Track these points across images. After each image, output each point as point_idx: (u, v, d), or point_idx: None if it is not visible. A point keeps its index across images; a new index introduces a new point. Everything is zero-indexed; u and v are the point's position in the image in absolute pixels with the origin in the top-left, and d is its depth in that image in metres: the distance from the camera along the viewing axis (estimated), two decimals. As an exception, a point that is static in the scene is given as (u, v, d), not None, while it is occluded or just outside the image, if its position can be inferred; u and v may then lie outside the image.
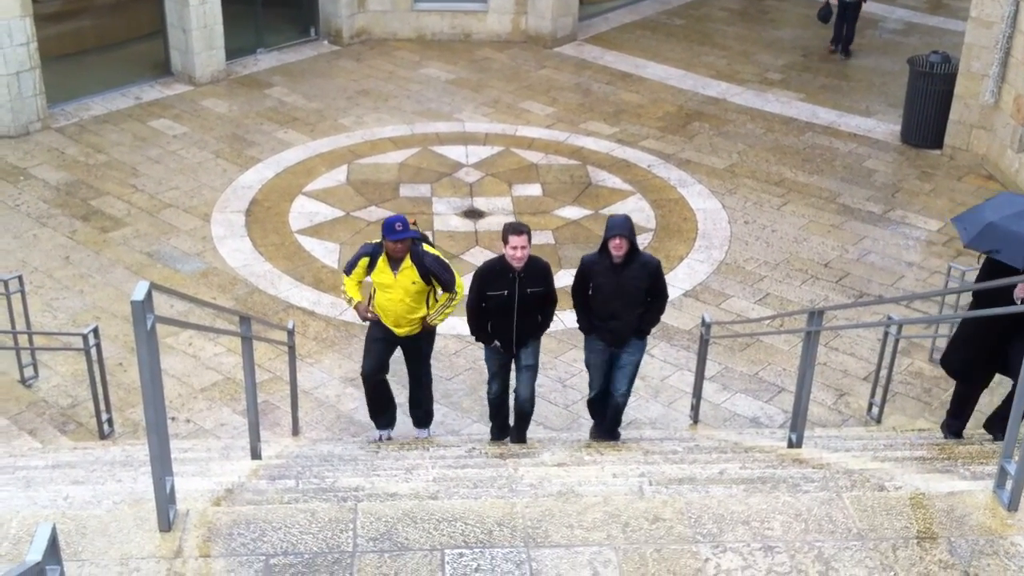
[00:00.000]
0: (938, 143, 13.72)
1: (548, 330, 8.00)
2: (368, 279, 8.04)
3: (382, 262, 7.91)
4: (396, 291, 7.84)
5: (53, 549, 3.42)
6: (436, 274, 7.94)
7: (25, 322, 8.94)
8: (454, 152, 13.42)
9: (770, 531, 4.61)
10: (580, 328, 7.98)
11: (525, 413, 8.08)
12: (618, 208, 11.83)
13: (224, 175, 12.62)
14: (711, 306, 10.28)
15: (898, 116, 14.44)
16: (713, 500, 4.85)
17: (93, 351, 8.09)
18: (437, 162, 13.15)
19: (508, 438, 8.21)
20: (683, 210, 12.19)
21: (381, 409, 8.37)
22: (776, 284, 10.77)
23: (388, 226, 7.80)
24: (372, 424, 8.41)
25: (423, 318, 8.05)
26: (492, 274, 7.71)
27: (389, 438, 8.39)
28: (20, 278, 8.89)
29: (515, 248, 7.50)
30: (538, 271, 7.71)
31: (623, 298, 7.62)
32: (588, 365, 8.05)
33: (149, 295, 4.18)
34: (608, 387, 7.97)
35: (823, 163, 13.46)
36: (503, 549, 4.48)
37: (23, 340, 9.02)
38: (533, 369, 7.98)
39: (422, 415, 8.52)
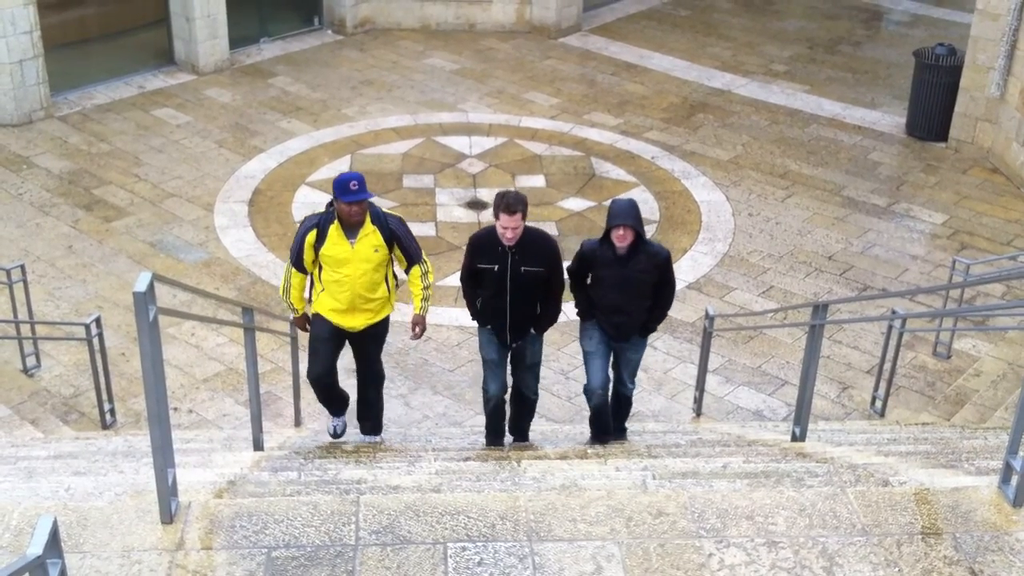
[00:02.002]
0: (943, 136, 13.67)
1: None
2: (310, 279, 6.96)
3: (335, 232, 6.66)
4: (355, 265, 6.70)
5: (54, 542, 3.41)
6: (401, 238, 6.80)
7: (28, 311, 8.93)
8: (458, 143, 13.39)
9: (774, 526, 4.59)
10: (578, 313, 7.25)
11: (528, 404, 7.47)
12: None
13: (227, 165, 12.59)
14: (714, 298, 10.26)
15: (903, 108, 14.39)
16: (717, 495, 4.83)
17: (95, 341, 8.08)
18: (440, 152, 13.12)
19: (503, 441, 7.60)
20: (687, 202, 12.16)
21: (332, 402, 7.53)
22: (780, 277, 10.75)
23: (341, 184, 6.50)
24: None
25: (386, 302, 7.00)
26: (484, 244, 6.87)
27: (343, 431, 7.64)
28: (23, 267, 8.88)
29: (505, 228, 6.64)
30: (538, 248, 6.82)
31: (627, 292, 6.96)
32: (586, 354, 7.26)
33: (151, 286, 4.16)
34: (606, 386, 7.25)
35: (828, 155, 13.42)
36: (506, 543, 4.46)
37: (25, 329, 9.02)
38: (535, 369, 7.29)
39: (373, 422, 7.59)
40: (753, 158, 13.28)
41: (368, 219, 6.67)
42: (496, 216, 6.71)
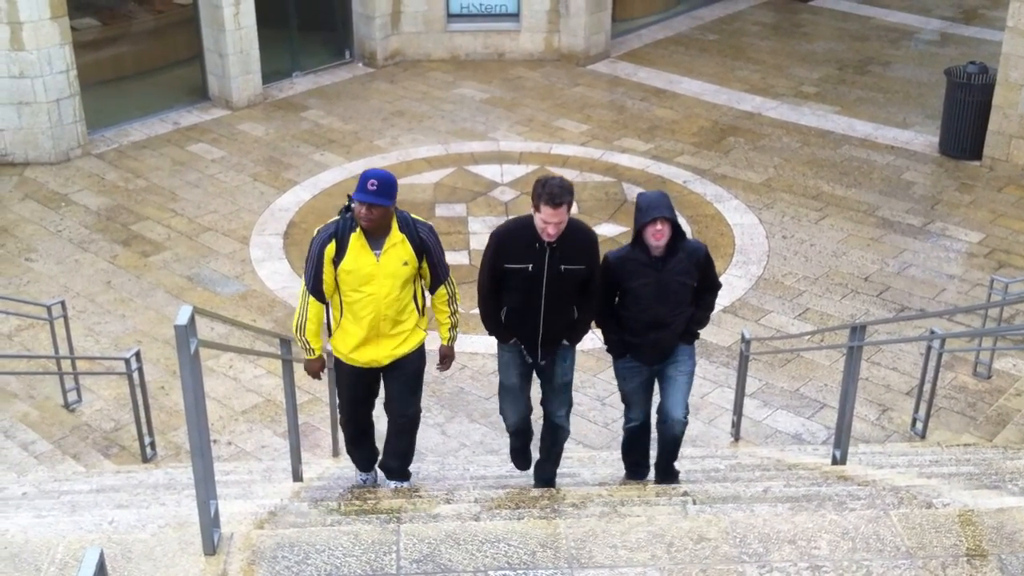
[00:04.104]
0: (977, 154, 13.58)
1: (583, 343, 6.32)
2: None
3: (356, 242, 5.68)
4: (381, 283, 5.73)
5: (101, 575, 3.44)
6: (431, 251, 5.87)
7: (68, 347, 9.03)
8: (489, 171, 13.45)
9: (817, 550, 4.56)
10: (609, 349, 6.32)
11: (558, 440, 6.46)
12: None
13: (262, 198, 12.71)
14: (750, 322, 10.21)
15: (936, 127, 14.32)
16: (758, 519, 4.81)
17: (135, 375, 8.16)
18: (472, 181, 13.19)
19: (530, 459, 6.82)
20: (720, 225, 12.14)
21: (364, 453, 6.72)
22: (816, 299, 10.69)
23: (362, 180, 5.57)
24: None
25: (416, 328, 5.96)
26: (514, 239, 5.83)
27: (375, 483, 6.82)
28: (63, 303, 8.99)
29: (546, 223, 5.62)
30: (580, 241, 5.85)
31: (668, 301, 6.01)
32: (625, 393, 6.41)
33: (192, 319, 4.21)
34: (648, 416, 6.42)
35: (861, 176, 13.37)
36: (547, 571, 4.45)
37: (66, 365, 9.12)
38: (567, 390, 6.25)
39: (401, 465, 6.62)
40: (785, 180, 13.25)
41: (395, 227, 5.75)
42: (536, 208, 5.65)
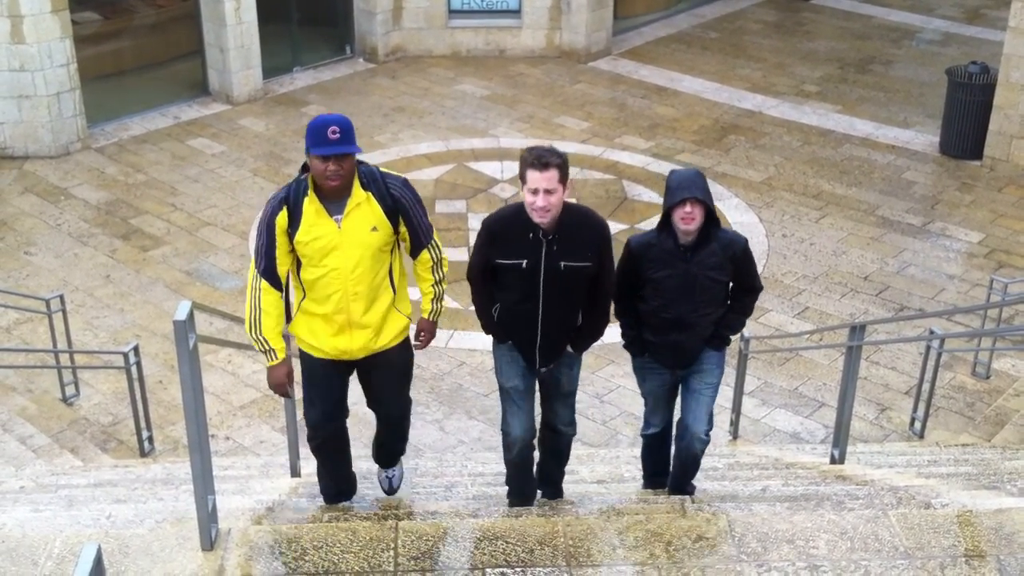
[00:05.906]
0: (978, 154, 13.57)
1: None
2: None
3: (310, 207, 4.67)
4: (346, 254, 4.71)
5: (98, 570, 3.43)
6: (408, 209, 4.82)
7: (67, 341, 9.02)
8: (489, 168, 13.44)
9: (815, 550, 4.55)
10: (626, 345, 5.59)
11: (561, 443, 5.67)
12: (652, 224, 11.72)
13: (262, 193, 12.69)
14: (749, 320, 10.18)
15: (937, 127, 14.30)
16: (757, 518, 4.80)
17: (133, 369, 8.15)
18: (472, 178, 13.17)
19: (532, 503, 5.83)
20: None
21: (336, 473, 5.64)
22: (815, 298, 10.69)
23: (316, 131, 4.53)
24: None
25: (393, 310, 4.99)
26: (506, 229, 5.01)
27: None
28: (61, 297, 8.98)
29: (535, 192, 4.76)
30: (584, 231, 5.00)
31: (694, 298, 5.25)
32: (646, 396, 5.77)
33: (191, 314, 4.21)
34: (670, 423, 5.77)
35: (861, 175, 13.36)
36: (545, 569, 4.45)
37: (64, 359, 9.11)
38: (570, 398, 5.48)
39: (392, 453, 5.83)
40: (786, 179, 13.24)
41: (357, 183, 4.70)
42: (522, 178, 4.81)
